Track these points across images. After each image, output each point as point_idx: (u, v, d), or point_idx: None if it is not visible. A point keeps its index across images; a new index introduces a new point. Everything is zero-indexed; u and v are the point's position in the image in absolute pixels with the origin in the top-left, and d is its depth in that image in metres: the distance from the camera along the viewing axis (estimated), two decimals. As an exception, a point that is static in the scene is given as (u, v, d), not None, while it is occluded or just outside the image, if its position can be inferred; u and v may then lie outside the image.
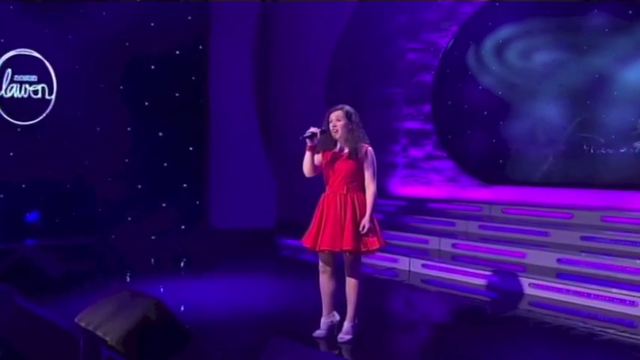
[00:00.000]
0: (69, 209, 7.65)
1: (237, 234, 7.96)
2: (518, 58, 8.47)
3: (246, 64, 8.31)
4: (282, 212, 8.41)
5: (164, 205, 7.99)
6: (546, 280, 5.49)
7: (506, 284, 5.75)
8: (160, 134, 7.96)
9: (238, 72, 8.22)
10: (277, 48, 8.86)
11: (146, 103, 7.90)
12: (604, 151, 7.65)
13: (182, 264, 7.22)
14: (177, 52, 7.97)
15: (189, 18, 7.95)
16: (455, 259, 6.46)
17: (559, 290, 5.39)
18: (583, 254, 5.77)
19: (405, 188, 8.85)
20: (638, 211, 6.38)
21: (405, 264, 6.58)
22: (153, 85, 7.86)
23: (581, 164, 7.68)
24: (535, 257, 6.04)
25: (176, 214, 7.98)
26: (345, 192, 4.10)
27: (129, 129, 7.86)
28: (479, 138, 8.70)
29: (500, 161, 8.43)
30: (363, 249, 4.06)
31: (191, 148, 8.10)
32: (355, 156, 4.09)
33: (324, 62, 9.03)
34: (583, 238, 6.14)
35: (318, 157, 4.22)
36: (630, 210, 6.47)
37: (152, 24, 7.79)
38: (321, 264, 4.23)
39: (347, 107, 4.15)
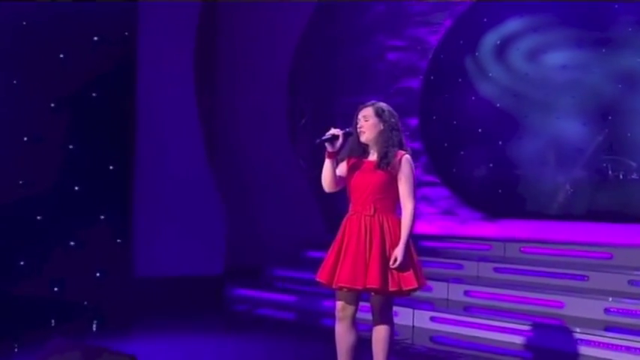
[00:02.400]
0: None
1: (172, 283, 7.66)
2: (523, 60, 8.71)
3: (187, 60, 8.08)
4: (233, 255, 8.19)
5: (72, 244, 7.53)
6: (595, 335, 5.46)
7: (543, 341, 5.69)
8: (70, 147, 7.55)
9: (176, 69, 7.96)
10: (226, 43, 8.71)
11: (52, 105, 7.47)
12: (637, 177, 7.91)
13: (94, 325, 6.76)
14: (96, 39, 7.62)
15: (113, -6, 7.67)
16: (468, 310, 6.40)
17: (612, 347, 5.36)
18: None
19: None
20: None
21: (407, 318, 6.40)
22: (61, 80, 7.47)
23: (610, 193, 7.90)
24: (576, 307, 6.03)
25: (88, 257, 7.54)
26: (371, 213, 4.01)
27: (25, 139, 7.39)
28: (478, 160, 8.81)
29: (501, 190, 8.57)
30: (394, 288, 3.93)
31: (111, 167, 7.73)
32: (386, 165, 4.00)
33: (283, 64, 8.98)
34: (632, 283, 6.21)
35: (342, 167, 4.14)
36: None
37: (61, -1, 7.45)
38: (338, 307, 4.08)
39: (380, 104, 4.14)
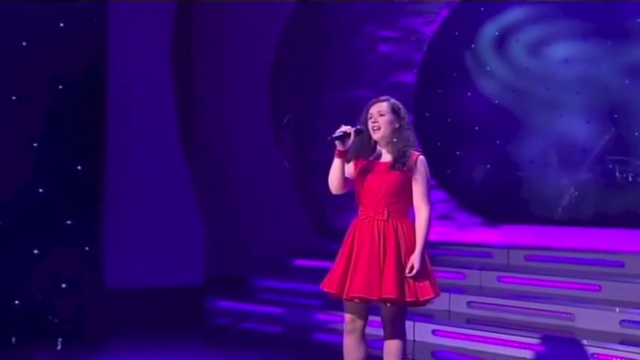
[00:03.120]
0: None
1: (146, 295, 7.66)
2: (523, 54, 8.80)
3: (163, 52, 8.11)
4: (214, 264, 8.22)
5: (36, 252, 7.47)
6: (611, 349, 5.51)
7: (553, 355, 5.73)
8: (35, 145, 7.50)
9: (151, 61, 8.01)
10: (204, 33, 8.72)
11: (13, 98, 7.42)
12: (647, 181, 8.06)
13: (59, 344, 6.72)
14: (62, 25, 7.56)
15: (81, -22, 7.64)
16: (472, 322, 6.43)
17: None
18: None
19: (380, 229, 8.81)
20: None
21: (407, 332, 6.41)
22: (24, 71, 7.42)
23: (618, 197, 7.98)
24: (588, 319, 6.09)
25: (54, 267, 7.47)
26: (385, 217, 4.07)
27: (-18, 136, 7.37)
28: (475, 161, 8.88)
29: (501, 193, 8.64)
30: (410, 299, 4.01)
31: (79, 168, 7.69)
32: (402, 166, 4.07)
33: (265, 58, 8.96)
34: (647, 293, 6.30)
35: (349, 168, 4.19)
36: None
37: (24, -18, 7.41)
38: (347, 319, 4.16)
39: (393, 100, 4.21)
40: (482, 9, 8.93)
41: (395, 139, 4.10)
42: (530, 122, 8.63)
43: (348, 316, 4.12)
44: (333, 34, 9.31)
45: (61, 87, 7.57)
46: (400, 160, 4.05)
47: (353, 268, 4.00)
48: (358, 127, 4.11)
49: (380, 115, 4.11)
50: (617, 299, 6.34)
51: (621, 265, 6.89)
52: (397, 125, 4.12)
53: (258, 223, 8.60)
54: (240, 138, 8.71)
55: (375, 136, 4.12)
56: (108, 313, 7.49)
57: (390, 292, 3.90)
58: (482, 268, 7.28)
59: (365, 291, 3.92)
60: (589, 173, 8.33)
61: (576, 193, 8.39)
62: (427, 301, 4.06)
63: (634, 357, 5.40)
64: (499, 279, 7.09)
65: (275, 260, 8.22)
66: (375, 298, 3.94)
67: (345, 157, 4.10)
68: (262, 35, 8.94)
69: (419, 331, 6.39)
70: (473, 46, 8.96)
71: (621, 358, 5.44)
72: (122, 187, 7.91)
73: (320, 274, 7.81)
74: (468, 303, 6.76)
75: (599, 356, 5.52)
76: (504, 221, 8.31)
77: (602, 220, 7.90)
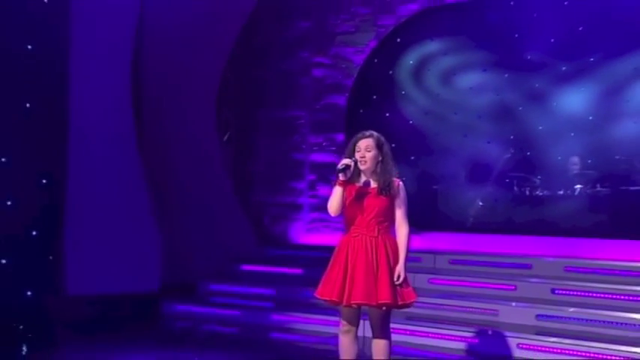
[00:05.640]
0: None
1: (107, 302, 7.81)
2: (436, 81, 9.76)
3: (123, 71, 8.25)
4: (169, 271, 8.46)
5: (4, 262, 7.57)
6: (533, 340, 6.46)
7: (485, 347, 6.65)
8: (3, 160, 7.59)
9: (111, 80, 8.15)
10: (155, 50, 8.93)
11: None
12: (541, 194, 9.18)
13: (25, 348, 6.86)
14: (30, 47, 7.69)
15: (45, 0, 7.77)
16: (412, 319, 7.11)
17: (548, 350, 6.37)
18: (564, 309, 6.86)
19: (313, 236, 9.41)
20: (600, 260, 7.72)
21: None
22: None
23: (520, 208, 9.06)
24: (510, 314, 7.03)
25: (18, 275, 7.57)
26: (376, 234, 4.74)
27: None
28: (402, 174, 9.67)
29: (419, 204, 9.48)
30: (401, 302, 4.70)
31: (44, 181, 7.81)
32: (388, 192, 4.74)
33: (213, 75, 9.38)
34: (554, 291, 7.24)
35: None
36: (590, 259, 7.81)
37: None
38: (343, 322, 4.79)
39: (377, 134, 4.86)
40: (398, 39, 9.76)
41: (379, 170, 4.74)
42: (440, 141, 9.57)
43: (344, 320, 4.76)
44: (269, 55, 9.87)
45: (28, 105, 7.66)
46: (386, 189, 4.72)
47: (350, 278, 4.61)
48: (354, 159, 4.75)
49: (367, 150, 4.75)
50: (530, 296, 7.27)
51: (529, 267, 7.79)
52: (381, 158, 4.77)
53: (205, 232, 8.94)
54: (190, 152, 9.04)
55: (362, 167, 4.75)
56: (71, 319, 7.57)
57: (386, 297, 4.58)
58: (416, 271, 8.02)
59: (365, 298, 4.56)
60: (492, 187, 9.38)
61: (482, 204, 9.40)
62: (412, 303, 4.78)
63: (549, 345, 6.38)
64: (429, 280, 7.86)
65: (222, 266, 8.63)
66: (374, 303, 4.60)
67: (345, 186, 4.71)
68: (210, 56, 9.30)
69: (367, 329, 7.02)
70: (391, 72, 9.78)
71: (539, 346, 6.42)
72: (83, 199, 7.94)
73: (265, 277, 8.35)
74: (409, 302, 7.52)
75: (522, 345, 6.49)
76: (426, 229, 9.13)
77: (509, 227, 8.91)
